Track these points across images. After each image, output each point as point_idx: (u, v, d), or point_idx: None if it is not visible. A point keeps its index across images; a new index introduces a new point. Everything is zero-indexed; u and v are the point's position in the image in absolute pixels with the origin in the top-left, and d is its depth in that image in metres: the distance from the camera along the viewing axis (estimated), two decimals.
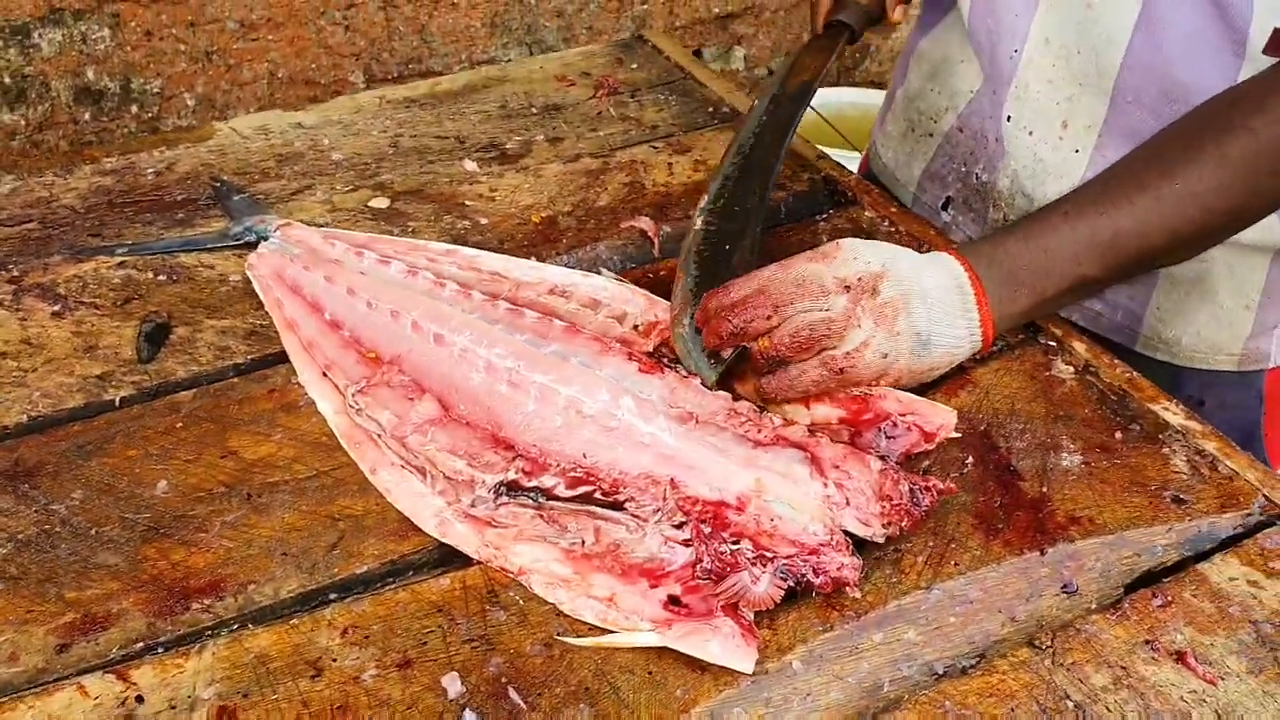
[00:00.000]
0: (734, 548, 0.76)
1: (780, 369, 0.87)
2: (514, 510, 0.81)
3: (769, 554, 0.76)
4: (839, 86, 3.00)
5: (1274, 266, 1.08)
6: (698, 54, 2.83)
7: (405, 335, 0.94)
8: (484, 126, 1.30)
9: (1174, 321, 1.11)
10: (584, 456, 0.83)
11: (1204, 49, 0.97)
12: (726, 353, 0.89)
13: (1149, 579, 0.80)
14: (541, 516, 0.80)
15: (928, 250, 0.98)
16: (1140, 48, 1.00)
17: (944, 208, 1.23)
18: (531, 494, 0.82)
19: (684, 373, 0.90)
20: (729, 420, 0.86)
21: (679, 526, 0.79)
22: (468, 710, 0.69)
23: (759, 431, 0.85)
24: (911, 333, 0.88)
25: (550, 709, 0.69)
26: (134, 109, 2.27)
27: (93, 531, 0.80)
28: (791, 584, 0.75)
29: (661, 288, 1.00)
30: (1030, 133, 1.10)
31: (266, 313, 1.00)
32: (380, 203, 1.15)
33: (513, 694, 0.70)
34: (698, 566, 0.76)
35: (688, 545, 0.78)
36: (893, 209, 1.17)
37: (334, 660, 0.72)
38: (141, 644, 0.73)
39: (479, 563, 0.79)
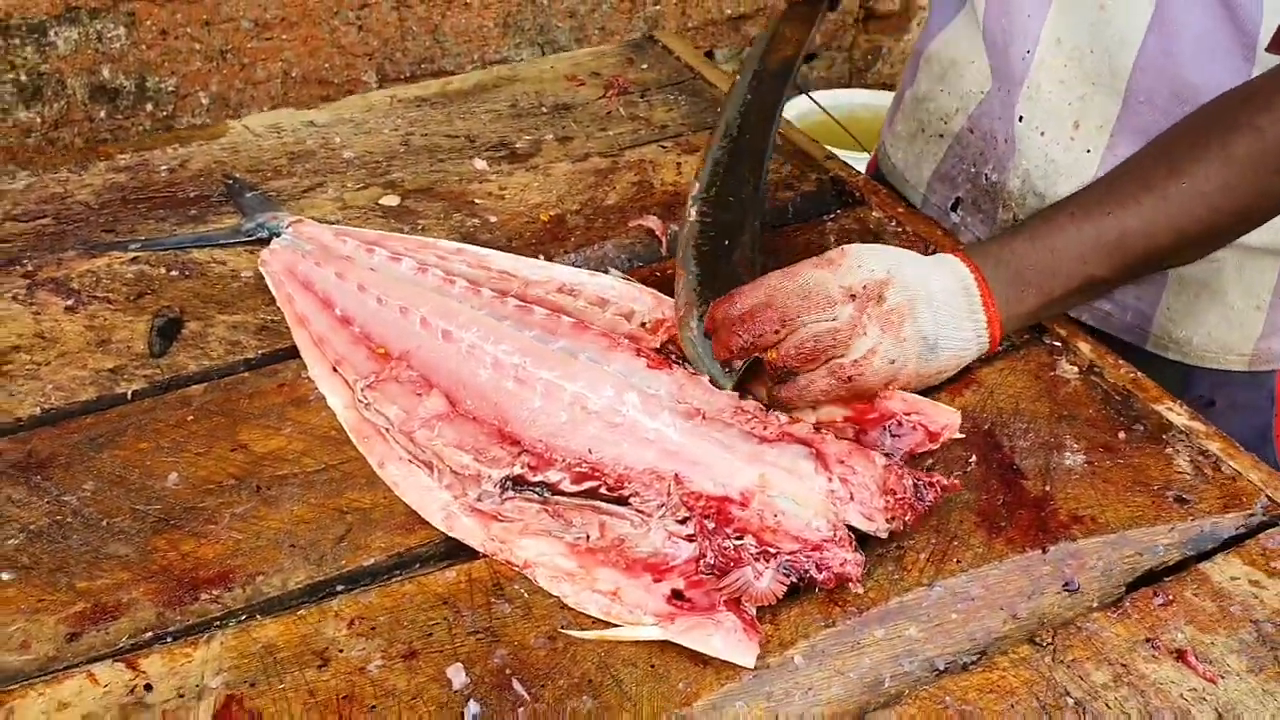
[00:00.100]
0: (737, 543, 0.77)
1: (790, 379, 0.88)
2: (519, 505, 0.82)
3: (772, 550, 0.77)
4: (851, 88, 3.01)
5: None
6: (710, 55, 2.84)
7: (414, 331, 0.95)
8: (494, 125, 1.31)
9: (1184, 322, 1.12)
10: (589, 452, 0.84)
11: (1215, 51, 0.97)
12: (738, 363, 0.89)
13: (1150, 578, 0.80)
14: (547, 511, 0.81)
15: (934, 251, 0.98)
16: (1153, 49, 1.00)
17: (953, 209, 1.24)
18: (537, 489, 0.83)
19: (691, 369, 0.91)
20: (736, 417, 0.87)
21: (683, 522, 0.79)
22: (472, 701, 0.70)
23: (765, 428, 0.86)
24: (918, 338, 0.88)
25: (554, 700, 0.70)
26: (149, 107, 2.28)
27: (104, 522, 0.81)
28: (794, 580, 0.76)
29: (669, 286, 1.01)
30: (1042, 133, 1.10)
31: (277, 308, 1.01)
32: (391, 200, 1.16)
33: (516, 685, 0.71)
34: (701, 561, 0.77)
35: (691, 540, 0.78)
36: (900, 209, 1.18)
37: (340, 651, 0.73)
38: (151, 633, 0.74)
39: (485, 556, 0.79)
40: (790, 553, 0.76)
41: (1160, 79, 1.01)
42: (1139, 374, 0.97)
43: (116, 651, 0.73)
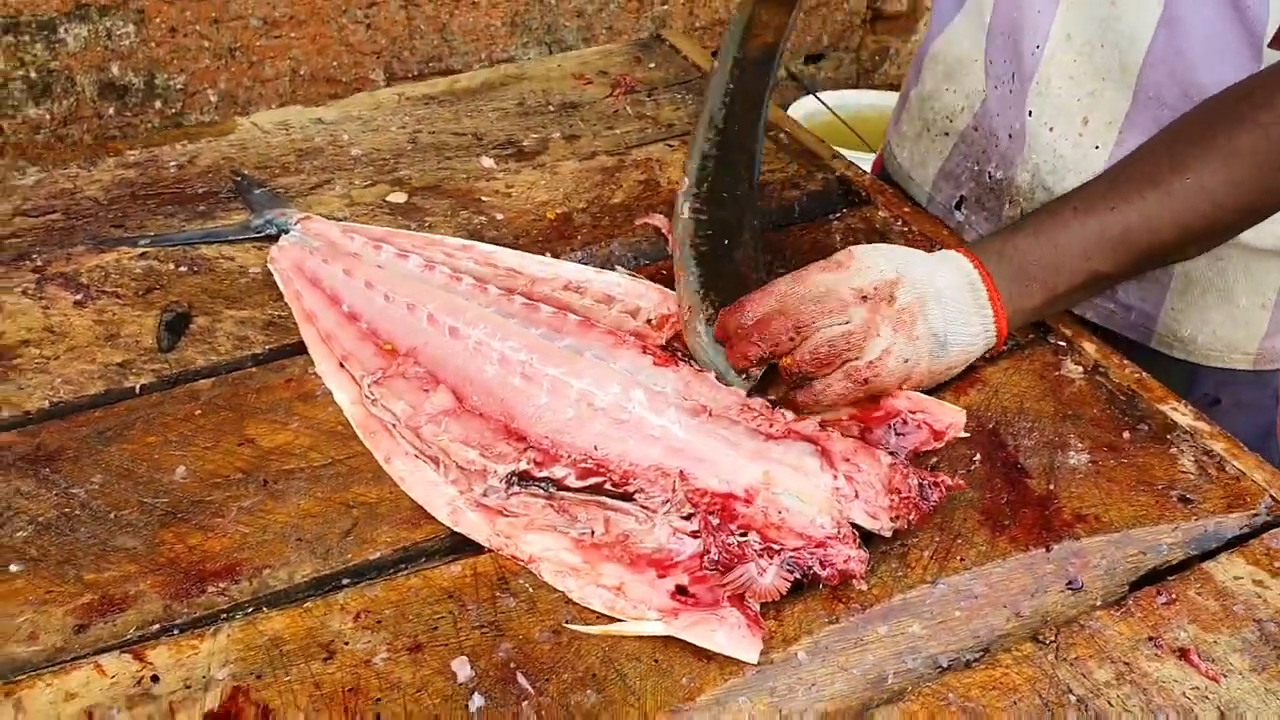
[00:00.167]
0: (741, 539, 0.77)
1: (806, 384, 0.88)
2: (525, 500, 0.82)
3: (776, 546, 0.77)
4: (858, 89, 3.01)
5: None
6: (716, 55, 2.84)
7: (421, 328, 0.95)
8: (501, 124, 1.32)
9: (1189, 320, 1.12)
10: (595, 448, 0.85)
11: (1223, 51, 0.97)
12: (755, 371, 0.89)
13: (1154, 577, 0.80)
14: (552, 506, 0.82)
15: (938, 250, 0.98)
16: (1162, 46, 1.00)
17: (957, 207, 1.24)
18: (542, 484, 0.83)
19: (697, 367, 0.92)
20: (742, 414, 0.87)
21: (688, 518, 0.80)
22: (476, 694, 0.70)
23: (771, 425, 0.86)
24: (930, 335, 0.89)
25: (557, 694, 0.71)
26: (157, 104, 2.29)
27: (112, 515, 0.82)
28: (798, 576, 0.76)
29: (669, 288, 1.01)
30: (1051, 128, 1.10)
31: (285, 304, 1.01)
32: (398, 198, 1.17)
33: (521, 679, 0.71)
34: (705, 557, 0.77)
35: (696, 536, 0.79)
36: (906, 208, 1.18)
37: (346, 643, 0.73)
38: (158, 625, 0.75)
39: (490, 551, 0.80)
40: (794, 549, 0.77)
41: (1169, 77, 1.01)
42: (1144, 374, 0.97)
43: (124, 643, 0.73)
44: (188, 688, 0.70)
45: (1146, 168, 0.91)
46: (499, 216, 1.15)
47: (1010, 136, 1.14)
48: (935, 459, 0.88)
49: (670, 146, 1.28)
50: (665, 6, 2.74)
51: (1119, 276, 0.93)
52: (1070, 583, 0.80)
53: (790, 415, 0.88)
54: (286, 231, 1.08)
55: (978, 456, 0.89)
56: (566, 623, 0.75)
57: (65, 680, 0.71)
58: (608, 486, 0.82)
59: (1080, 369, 0.97)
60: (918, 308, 0.88)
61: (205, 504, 0.83)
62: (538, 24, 2.60)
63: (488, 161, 1.24)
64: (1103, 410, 0.93)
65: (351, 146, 1.26)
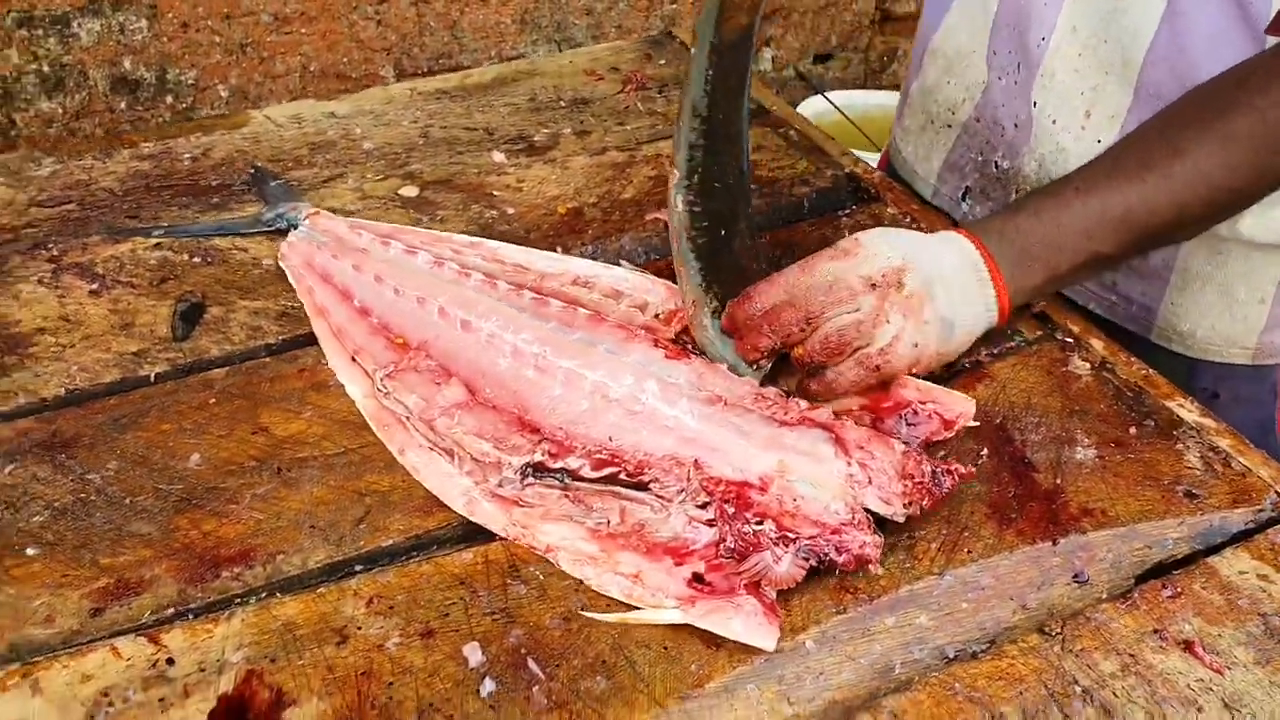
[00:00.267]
0: (757, 528, 0.78)
1: (818, 373, 0.89)
2: (540, 490, 0.83)
3: (791, 534, 0.78)
4: (866, 89, 3.01)
5: None
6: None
7: (432, 321, 0.96)
8: (512, 119, 1.32)
9: (1188, 315, 1.13)
10: (609, 439, 0.85)
11: (1226, 48, 0.98)
12: (766, 362, 0.90)
13: (1159, 571, 0.81)
14: (567, 497, 0.82)
15: (939, 232, 0.99)
16: (1164, 42, 1.01)
17: (963, 198, 1.25)
18: (558, 475, 0.84)
19: (709, 358, 0.92)
20: (756, 403, 0.88)
21: (703, 507, 0.80)
22: (488, 679, 0.71)
23: (786, 413, 0.87)
24: (937, 319, 0.90)
25: (568, 679, 0.71)
26: (169, 99, 2.30)
27: (127, 501, 0.83)
28: (814, 563, 0.77)
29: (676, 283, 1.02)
30: (1054, 121, 1.11)
31: (297, 296, 1.02)
32: (410, 191, 1.18)
33: (532, 664, 0.72)
34: (721, 546, 0.78)
35: (711, 525, 0.79)
36: (914, 206, 1.18)
37: (359, 628, 0.74)
38: (172, 609, 0.75)
39: (501, 539, 0.81)
40: (810, 537, 0.77)
41: (1171, 73, 1.02)
42: (1150, 371, 0.98)
43: (139, 626, 0.74)
44: (202, 670, 0.71)
45: (1145, 151, 0.93)
46: (510, 211, 1.15)
47: (1016, 126, 1.15)
48: (943, 452, 0.89)
49: None
50: (674, 5, 2.74)
51: (1119, 256, 0.95)
52: (1076, 576, 0.80)
53: (804, 403, 0.88)
54: (295, 226, 1.09)
55: (985, 450, 0.89)
56: (582, 610, 0.76)
57: (81, 662, 0.71)
58: (622, 476, 0.83)
59: (1087, 365, 0.98)
60: (925, 292, 0.89)
61: (219, 491, 0.84)
62: (547, 21, 2.61)
63: (499, 156, 1.25)
64: (1109, 406, 0.94)
65: (364, 140, 1.27)
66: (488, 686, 0.71)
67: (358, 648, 0.73)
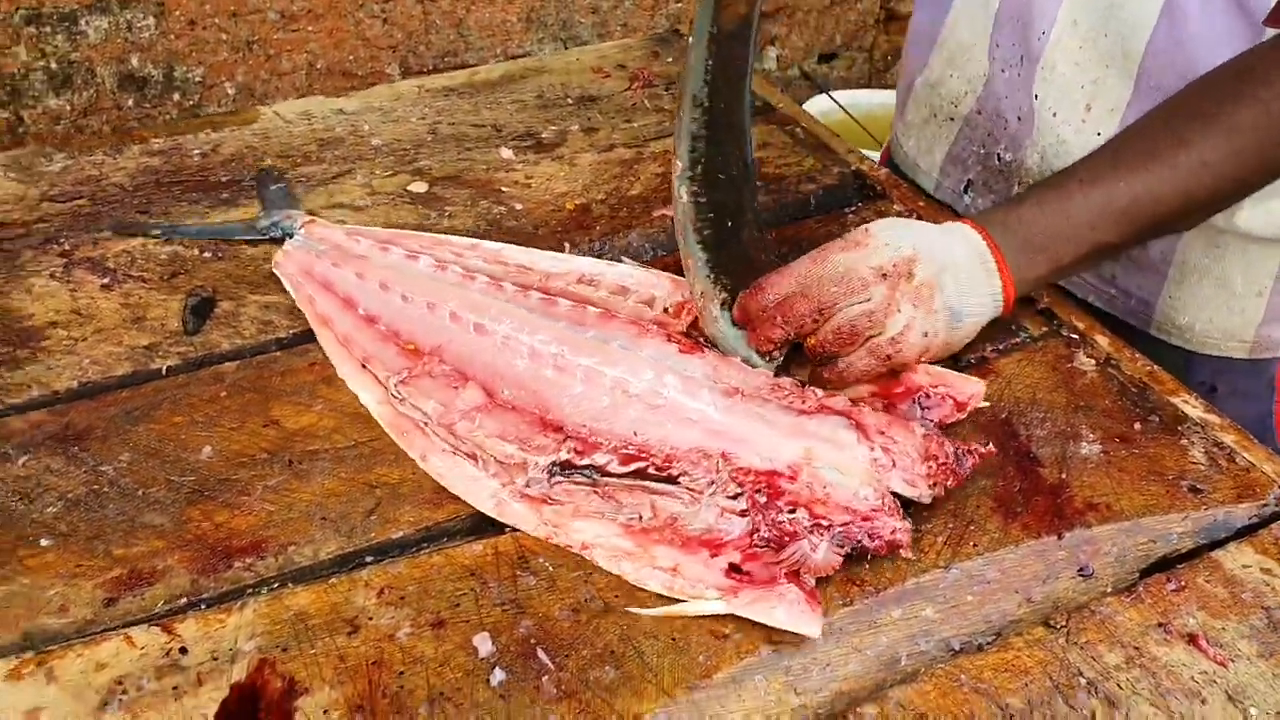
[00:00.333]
0: (790, 516, 0.79)
1: (829, 362, 0.90)
2: (568, 487, 0.83)
3: (825, 522, 0.79)
4: (870, 89, 3.02)
5: None
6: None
7: (444, 326, 0.96)
8: (520, 116, 1.33)
9: (1186, 308, 1.14)
10: (634, 434, 0.86)
11: (1223, 42, 0.99)
12: (779, 353, 0.91)
13: (1164, 565, 0.82)
14: (596, 493, 0.83)
15: (945, 223, 0.99)
16: (1164, 36, 1.02)
17: (965, 191, 1.26)
18: (585, 471, 0.84)
19: (721, 350, 0.93)
20: (773, 393, 0.89)
21: (734, 498, 0.81)
22: (498, 668, 0.72)
23: (803, 402, 0.88)
24: (946, 309, 0.91)
25: (577, 669, 0.72)
26: (176, 96, 2.31)
27: (139, 492, 0.83)
28: (850, 550, 0.78)
29: (682, 277, 1.03)
30: (1054, 114, 1.12)
31: (297, 304, 1.01)
32: (419, 187, 1.18)
33: (541, 654, 0.73)
34: (755, 535, 0.79)
35: (743, 515, 0.80)
36: (920, 203, 1.19)
37: (370, 619, 0.75)
38: (185, 599, 0.76)
39: (510, 531, 0.81)
40: (842, 524, 0.78)
41: (1170, 66, 1.03)
42: (1155, 367, 0.98)
43: (152, 616, 0.75)
44: (215, 659, 0.72)
45: (1148, 142, 0.94)
46: (518, 207, 1.16)
47: (1019, 119, 1.16)
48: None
49: None
50: (679, 3, 2.75)
51: (1122, 246, 0.96)
52: (1081, 569, 0.81)
53: (820, 392, 0.89)
54: (291, 235, 1.07)
55: (990, 445, 0.90)
56: (627, 609, 0.76)
57: (96, 651, 0.72)
58: (651, 471, 0.84)
59: (1092, 361, 0.99)
60: (935, 282, 0.90)
61: (231, 483, 0.84)
62: (553, 20, 2.62)
63: (507, 153, 1.25)
64: (1114, 402, 0.95)
65: (372, 137, 1.27)
66: (498, 676, 0.71)
67: (369, 637, 0.74)
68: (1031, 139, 1.15)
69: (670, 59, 1.47)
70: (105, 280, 1.03)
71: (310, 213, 1.13)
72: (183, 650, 0.72)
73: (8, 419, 0.89)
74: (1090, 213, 0.93)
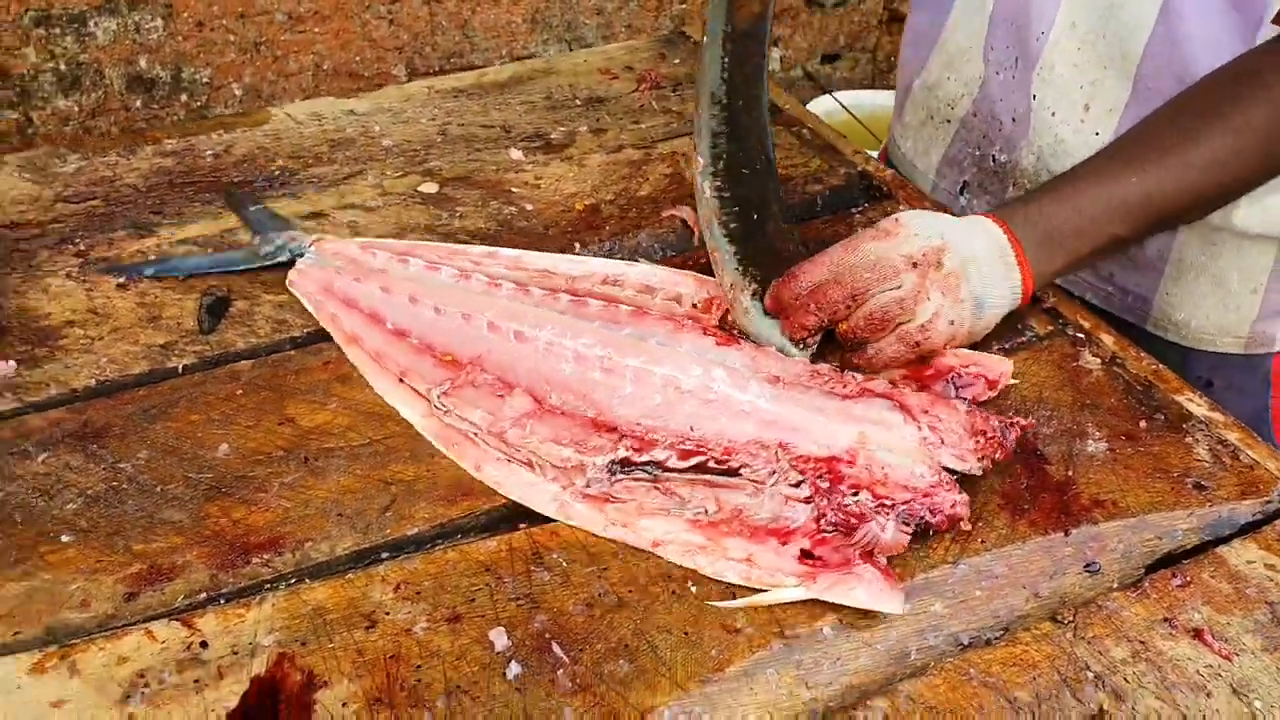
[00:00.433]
0: (855, 499, 0.81)
1: (859, 348, 0.93)
2: (629, 485, 0.84)
3: (888, 501, 0.81)
4: (874, 89, 3.03)
5: None
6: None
7: (482, 336, 0.95)
8: (529, 117, 1.34)
9: (1183, 305, 1.16)
10: (691, 429, 0.87)
11: (1220, 43, 1.01)
12: (813, 340, 0.93)
13: (1169, 560, 0.83)
14: (658, 489, 0.84)
15: (966, 216, 1.01)
16: (1161, 38, 1.04)
17: (961, 192, 1.27)
18: (646, 468, 0.85)
19: (756, 342, 0.95)
20: (813, 380, 0.90)
21: (796, 485, 0.83)
22: (513, 662, 0.73)
23: (845, 387, 0.90)
24: (971, 298, 0.93)
25: (591, 663, 0.73)
26: (183, 97, 2.33)
27: (158, 489, 0.84)
28: (915, 527, 0.80)
29: (704, 273, 1.04)
30: (1053, 113, 1.14)
31: (319, 322, 1.01)
32: (430, 188, 1.19)
33: (556, 648, 0.74)
34: (822, 521, 0.81)
35: (807, 502, 0.82)
36: (926, 204, 1.20)
37: (387, 613, 0.76)
38: (204, 594, 0.77)
39: (524, 528, 0.82)
40: (904, 502, 0.80)
41: (1167, 67, 1.04)
42: (1160, 365, 0.99)
43: (172, 611, 0.76)
44: (235, 653, 0.73)
45: (1159, 139, 0.97)
46: (529, 207, 1.17)
47: (1014, 120, 1.17)
48: None
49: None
50: (684, 4, 2.76)
51: (1134, 239, 0.99)
52: (1088, 565, 0.82)
53: (859, 376, 0.91)
54: (301, 255, 1.06)
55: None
56: (710, 602, 0.77)
57: (117, 645, 0.73)
58: (711, 465, 0.85)
59: (1098, 360, 1.00)
60: (961, 272, 0.92)
61: (248, 480, 0.86)
62: (558, 21, 2.63)
63: (516, 153, 1.26)
64: (1120, 400, 0.96)
65: (383, 138, 1.29)
66: (513, 669, 0.72)
67: (386, 632, 0.75)
68: (1027, 140, 1.17)
69: (677, 60, 1.48)
70: (121, 280, 1.04)
71: (317, 214, 1.14)
72: (203, 644, 0.74)
73: (27, 417, 0.90)
74: (1108, 207, 0.95)
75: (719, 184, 1.02)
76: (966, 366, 0.94)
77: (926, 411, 0.87)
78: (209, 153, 1.25)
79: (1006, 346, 1.01)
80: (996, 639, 0.77)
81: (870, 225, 0.96)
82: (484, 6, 2.53)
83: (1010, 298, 0.96)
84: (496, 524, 0.83)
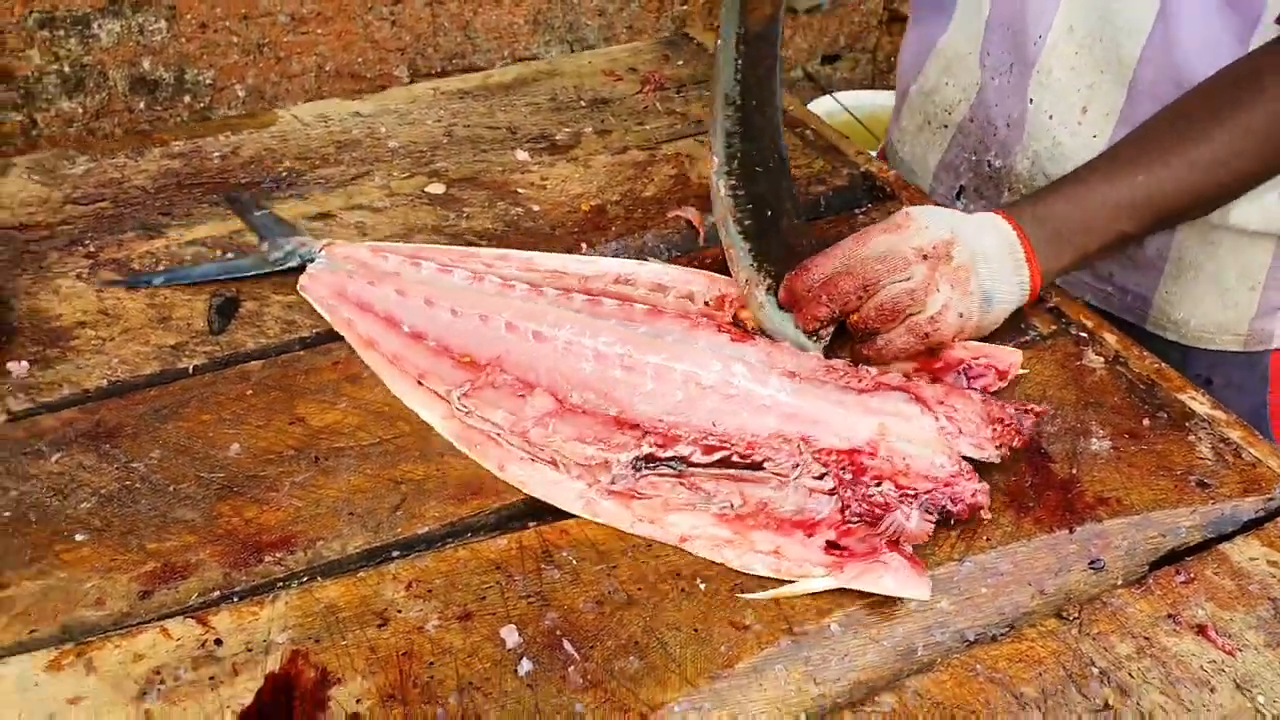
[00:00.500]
0: (878, 490, 0.82)
1: (869, 339, 0.94)
2: (653, 480, 0.85)
3: (910, 491, 0.82)
4: (874, 90, 3.04)
5: (1279, 250, 1.13)
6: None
7: (500, 336, 0.95)
8: (534, 118, 1.35)
9: (1181, 303, 1.17)
10: (713, 425, 0.88)
11: (1218, 48, 1.02)
12: (826, 331, 0.94)
13: (1173, 557, 0.83)
14: (683, 484, 0.85)
15: (976, 212, 1.02)
16: (1158, 42, 1.05)
17: (957, 197, 1.28)
18: (671, 464, 0.86)
19: (771, 338, 0.96)
20: (829, 374, 0.91)
21: (819, 478, 0.84)
22: (525, 659, 0.74)
23: (859, 380, 0.91)
24: (980, 292, 0.95)
25: (602, 660, 0.74)
26: (186, 99, 2.33)
27: (170, 488, 0.85)
28: (937, 516, 0.81)
29: (711, 272, 1.05)
30: (1050, 117, 1.15)
31: (333, 327, 1.01)
32: (437, 189, 1.20)
33: (567, 645, 0.75)
34: (847, 512, 0.82)
35: (831, 494, 0.83)
36: (930, 203, 1.21)
37: (399, 611, 0.77)
38: (218, 592, 0.78)
39: (534, 526, 0.83)
40: (927, 492, 0.82)
41: (1164, 71, 1.05)
42: (1162, 364, 1.00)
43: (187, 609, 0.77)
44: (249, 651, 0.74)
45: (1165, 139, 0.98)
46: (535, 208, 1.18)
47: (1009, 125, 1.18)
48: None
49: (699, 141, 1.31)
50: (685, 6, 2.77)
51: (1140, 236, 1.01)
52: (1093, 562, 0.83)
53: (873, 370, 0.92)
54: (312, 260, 1.06)
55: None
56: (740, 594, 0.78)
57: (133, 642, 0.74)
58: (734, 459, 0.86)
59: (1101, 359, 1.00)
60: (970, 265, 0.94)
61: (259, 479, 0.86)
62: (560, 22, 2.64)
63: (522, 154, 1.27)
64: (1123, 399, 0.96)
65: (389, 139, 1.29)
66: (525, 666, 0.73)
67: (398, 629, 0.75)
68: (1022, 144, 1.18)
69: (680, 62, 1.49)
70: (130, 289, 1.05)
71: (325, 215, 1.15)
72: (218, 642, 0.74)
73: (40, 417, 0.91)
74: (1115, 206, 0.97)
75: (734, 183, 1.04)
76: (976, 358, 0.95)
77: (942, 402, 0.88)
78: (216, 154, 1.26)
79: (1011, 346, 1.01)
80: (1002, 635, 0.77)
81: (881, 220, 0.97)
82: (486, 8, 2.54)
83: (1018, 293, 0.97)
84: (506, 522, 0.84)
